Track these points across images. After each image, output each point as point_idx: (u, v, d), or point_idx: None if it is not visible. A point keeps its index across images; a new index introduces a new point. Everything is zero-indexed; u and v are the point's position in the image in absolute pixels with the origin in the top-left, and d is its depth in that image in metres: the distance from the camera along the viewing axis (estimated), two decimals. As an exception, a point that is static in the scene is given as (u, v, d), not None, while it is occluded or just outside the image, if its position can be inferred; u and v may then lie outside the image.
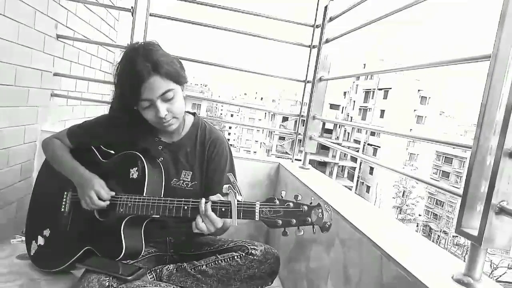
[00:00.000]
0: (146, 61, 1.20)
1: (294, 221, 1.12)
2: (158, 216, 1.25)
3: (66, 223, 1.44)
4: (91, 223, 1.35)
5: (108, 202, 1.31)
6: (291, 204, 1.13)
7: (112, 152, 1.48)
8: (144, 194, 1.27)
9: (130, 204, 1.27)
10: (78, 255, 1.37)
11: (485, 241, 0.76)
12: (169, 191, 1.36)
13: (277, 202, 1.14)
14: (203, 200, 1.18)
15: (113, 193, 1.32)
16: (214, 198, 1.20)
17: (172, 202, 1.23)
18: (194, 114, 1.47)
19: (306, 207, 1.12)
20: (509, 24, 0.77)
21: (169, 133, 1.40)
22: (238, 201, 1.15)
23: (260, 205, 1.14)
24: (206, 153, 1.42)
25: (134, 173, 1.31)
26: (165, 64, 1.22)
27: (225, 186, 1.17)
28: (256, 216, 1.13)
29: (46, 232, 1.47)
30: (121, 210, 1.28)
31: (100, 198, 1.30)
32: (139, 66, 1.19)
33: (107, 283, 1.20)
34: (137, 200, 1.26)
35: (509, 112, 0.73)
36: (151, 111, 1.25)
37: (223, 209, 1.17)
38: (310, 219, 1.11)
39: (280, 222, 1.12)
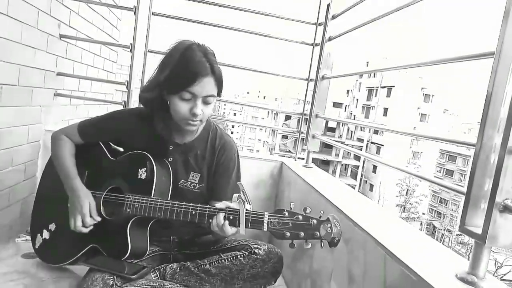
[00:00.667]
0: (206, 60, 1.23)
1: (303, 234, 1.11)
2: (166, 218, 1.26)
3: None
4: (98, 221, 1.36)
5: (90, 229, 1.32)
6: (300, 217, 1.13)
7: (121, 149, 1.48)
8: (152, 196, 1.27)
9: (137, 205, 1.27)
10: (82, 252, 1.38)
11: (489, 239, 0.76)
12: (177, 191, 1.36)
13: (286, 214, 1.14)
14: (221, 215, 1.18)
15: (99, 219, 1.32)
16: (221, 205, 1.21)
17: (180, 206, 1.23)
18: None
19: (315, 221, 1.12)
20: (513, 21, 0.77)
21: (182, 133, 1.40)
22: (246, 210, 1.15)
23: (269, 216, 1.14)
24: (216, 157, 1.42)
25: (142, 173, 1.31)
26: (219, 71, 1.27)
27: (235, 195, 1.17)
28: (264, 227, 1.13)
29: (52, 226, 1.48)
30: (128, 210, 1.28)
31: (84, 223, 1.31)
32: (199, 61, 1.22)
33: (111, 282, 1.20)
34: (144, 201, 1.26)
35: (513, 110, 0.73)
36: (187, 105, 1.24)
37: (231, 217, 1.17)
38: (318, 233, 1.11)
39: (288, 234, 1.12)
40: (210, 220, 1.19)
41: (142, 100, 1.36)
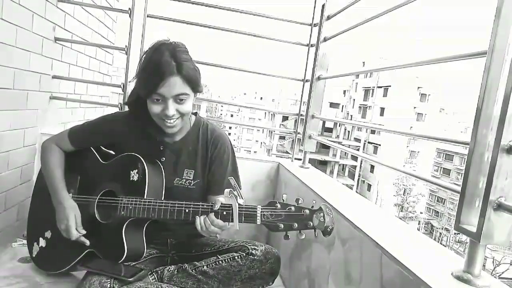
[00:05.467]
0: (173, 59, 1.21)
1: (296, 225, 1.12)
2: (160, 218, 1.26)
3: None
4: (93, 225, 1.36)
5: (80, 235, 1.35)
6: (293, 208, 1.14)
7: (112, 152, 1.48)
8: (145, 197, 1.27)
9: (131, 207, 1.27)
10: (79, 257, 1.38)
11: (484, 237, 0.76)
12: (172, 190, 1.36)
13: (279, 205, 1.15)
14: (202, 218, 1.20)
15: (83, 232, 1.35)
16: (216, 205, 1.21)
17: (174, 205, 1.23)
18: (195, 114, 1.48)
19: (307, 211, 1.13)
20: (504, 20, 0.77)
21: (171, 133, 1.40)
22: (239, 204, 1.16)
23: (261, 209, 1.15)
24: (209, 152, 1.43)
25: (134, 175, 1.31)
26: (188, 69, 1.24)
27: (227, 190, 1.18)
28: (258, 220, 1.14)
29: (48, 234, 1.48)
30: (122, 212, 1.28)
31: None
32: (165, 62, 1.21)
33: (108, 285, 1.20)
34: (138, 202, 1.26)
35: (506, 108, 0.73)
36: (159, 106, 1.25)
37: (224, 213, 1.18)
38: (311, 223, 1.12)
39: (282, 226, 1.13)
40: (205, 216, 1.20)
41: (128, 104, 1.39)
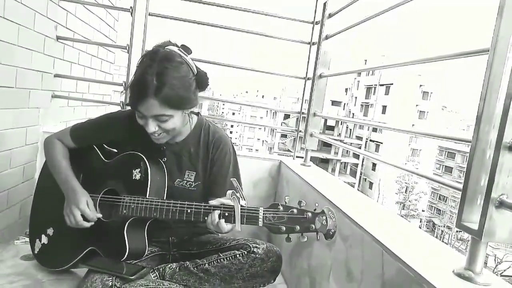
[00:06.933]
0: (155, 78, 1.16)
1: (298, 227, 1.12)
2: (161, 218, 1.26)
3: None
4: (95, 223, 1.36)
5: (92, 223, 1.32)
6: (295, 211, 1.14)
7: (115, 150, 1.48)
8: (147, 196, 1.28)
9: (133, 206, 1.27)
10: (81, 255, 1.38)
11: (485, 234, 0.76)
12: (173, 191, 1.36)
13: (281, 208, 1.14)
14: (216, 212, 1.18)
15: (99, 215, 1.33)
16: (215, 202, 1.20)
17: (176, 205, 1.23)
18: (197, 114, 1.47)
19: (310, 214, 1.13)
20: (507, 17, 0.77)
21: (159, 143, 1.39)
22: (241, 206, 1.16)
23: (264, 211, 1.15)
24: (210, 154, 1.42)
25: (136, 174, 1.31)
26: (170, 91, 1.18)
27: (229, 191, 1.17)
28: (260, 222, 1.14)
29: (50, 231, 1.48)
30: (124, 211, 1.28)
31: (85, 218, 1.30)
32: (145, 81, 1.17)
33: (110, 283, 1.21)
34: (140, 202, 1.27)
35: (508, 106, 0.73)
36: (142, 121, 1.25)
37: (226, 214, 1.18)
38: (314, 226, 1.12)
39: (284, 228, 1.13)
40: (206, 218, 1.19)
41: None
